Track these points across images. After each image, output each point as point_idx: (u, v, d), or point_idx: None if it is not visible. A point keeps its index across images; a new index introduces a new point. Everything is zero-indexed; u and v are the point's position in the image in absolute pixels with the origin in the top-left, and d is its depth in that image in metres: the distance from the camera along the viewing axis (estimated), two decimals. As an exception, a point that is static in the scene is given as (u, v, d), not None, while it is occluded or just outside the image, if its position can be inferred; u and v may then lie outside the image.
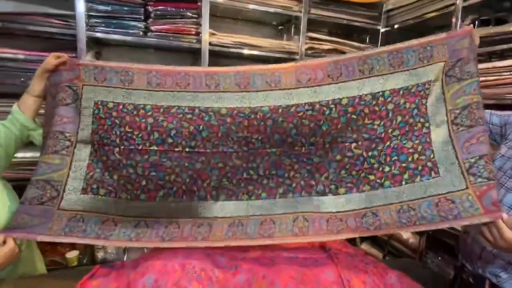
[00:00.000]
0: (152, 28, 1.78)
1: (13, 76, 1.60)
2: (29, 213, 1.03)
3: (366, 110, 1.07)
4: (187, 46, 1.87)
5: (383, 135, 1.06)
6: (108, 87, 1.13)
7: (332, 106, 1.09)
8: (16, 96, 1.67)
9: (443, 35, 1.04)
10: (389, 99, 1.06)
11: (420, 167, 0.99)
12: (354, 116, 1.08)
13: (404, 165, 1.01)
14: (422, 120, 1.02)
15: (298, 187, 1.11)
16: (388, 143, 1.05)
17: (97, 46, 1.96)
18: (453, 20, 1.77)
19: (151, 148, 1.09)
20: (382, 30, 2.31)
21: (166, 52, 2.16)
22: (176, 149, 1.09)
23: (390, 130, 1.05)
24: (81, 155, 1.11)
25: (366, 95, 1.08)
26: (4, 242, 0.95)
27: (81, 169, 1.09)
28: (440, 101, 1.01)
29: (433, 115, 1.01)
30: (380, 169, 1.04)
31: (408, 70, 1.06)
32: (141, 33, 1.78)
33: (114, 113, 1.11)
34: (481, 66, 1.66)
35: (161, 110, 1.12)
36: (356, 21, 2.22)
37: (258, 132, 1.11)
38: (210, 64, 1.91)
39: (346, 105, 1.09)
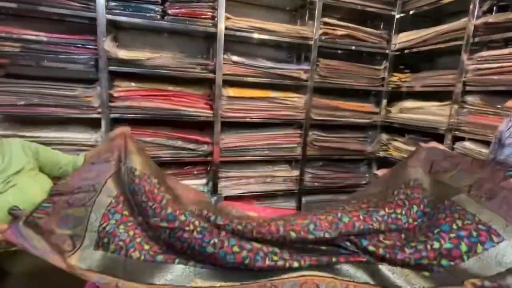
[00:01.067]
0: (169, 11, 1.80)
1: (36, 58, 1.64)
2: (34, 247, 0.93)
3: (381, 203, 1.15)
4: (203, 30, 1.89)
5: (406, 225, 1.06)
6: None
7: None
8: (41, 78, 1.74)
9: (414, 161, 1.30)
10: (396, 191, 1.18)
11: (474, 233, 0.89)
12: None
13: (453, 235, 0.91)
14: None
15: (342, 258, 0.94)
16: (416, 229, 1.04)
17: (113, 29, 1.98)
18: (471, 6, 1.75)
19: (162, 224, 1.02)
20: (397, 16, 2.29)
21: (180, 36, 2.18)
22: (187, 228, 0.99)
23: (411, 220, 1.07)
24: (100, 202, 1.08)
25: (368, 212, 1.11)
26: None
27: (96, 220, 1.03)
28: (442, 186, 1.11)
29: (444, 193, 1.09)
30: (429, 247, 0.92)
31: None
32: (158, 16, 1.80)
33: (137, 180, 1.16)
34: (497, 52, 1.67)
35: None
36: (371, 6, 2.20)
37: (269, 233, 1.03)
38: (224, 49, 1.93)
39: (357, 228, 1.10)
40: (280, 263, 0.91)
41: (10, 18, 1.82)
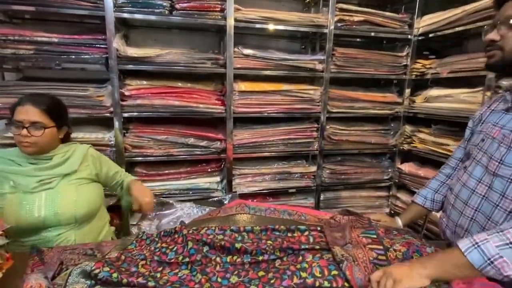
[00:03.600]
0: (177, 6, 1.76)
1: (49, 59, 1.66)
2: None
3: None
4: (212, 24, 1.83)
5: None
6: None
7: None
8: (53, 80, 1.77)
9: None
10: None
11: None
12: None
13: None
14: None
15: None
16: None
17: (125, 28, 1.98)
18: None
19: (184, 260, 0.96)
20: (420, -3, 2.12)
21: (191, 32, 2.15)
22: (209, 264, 0.95)
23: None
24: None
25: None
26: None
27: (87, 265, 0.90)
28: None
29: None
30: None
31: None
32: (166, 11, 1.76)
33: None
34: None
35: (190, 231, 1.08)
36: (391, -12, 2.06)
37: (300, 243, 1.01)
38: (235, 42, 1.86)
39: None
40: (310, 280, 0.84)
41: (23, 22, 1.87)
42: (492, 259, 0.69)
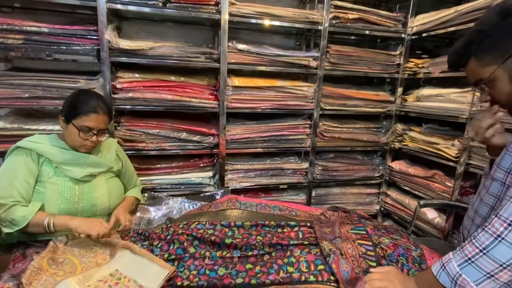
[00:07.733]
0: (171, -2, 1.74)
1: (38, 50, 1.63)
2: None
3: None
4: (206, 17, 1.82)
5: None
6: None
7: None
8: (43, 71, 1.73)
9: None
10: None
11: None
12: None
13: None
14: None
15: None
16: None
17: (117, 20, 1.94)
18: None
19: (170, 258, 0.97)
20: (414, -4, 2.13)
21: (185, 26, 2.13)
22: (198, 257, 0.97)
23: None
24: None
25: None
26: None
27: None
28: None
29: None
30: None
31: None
32: (160, 4, 1.74)
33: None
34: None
35: (180, 225, 1.08)
36: (386, -13, 2.06)
37: (289, 238, 1.03)
38: (230, 37, 1.85)
39: None
40: (296, 275, 0.86)
41: (12, 11, 1.82)
42: (455, 279, 0.69)
